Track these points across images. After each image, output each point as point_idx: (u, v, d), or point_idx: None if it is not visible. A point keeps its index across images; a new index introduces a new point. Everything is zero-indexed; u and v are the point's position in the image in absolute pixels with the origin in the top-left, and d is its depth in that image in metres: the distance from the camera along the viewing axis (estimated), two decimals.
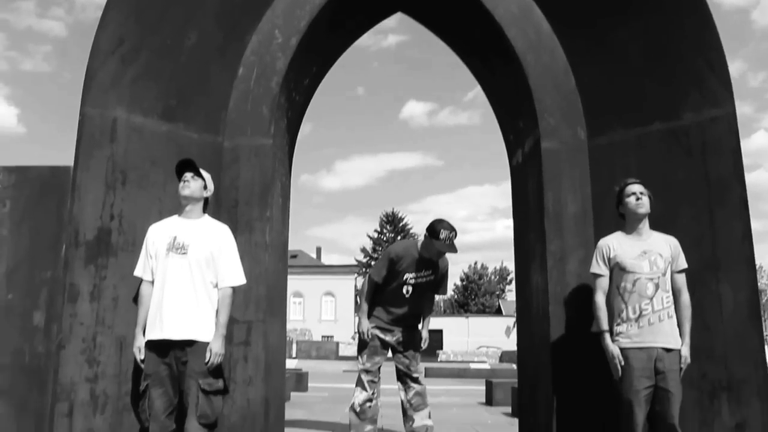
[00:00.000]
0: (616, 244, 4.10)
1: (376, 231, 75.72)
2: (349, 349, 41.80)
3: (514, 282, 5.70)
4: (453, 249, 5.12)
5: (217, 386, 3.80)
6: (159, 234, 3.95)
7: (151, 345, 3.78)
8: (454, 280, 76.68)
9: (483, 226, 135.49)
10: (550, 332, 4.53)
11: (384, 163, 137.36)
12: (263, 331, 4.44)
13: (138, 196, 4.27)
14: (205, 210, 4.09)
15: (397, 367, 5.42)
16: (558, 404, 4.43)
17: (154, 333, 3.76)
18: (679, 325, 3.98)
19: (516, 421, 9.41)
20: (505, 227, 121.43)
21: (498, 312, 66.82)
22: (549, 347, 4.53)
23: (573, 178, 4.77)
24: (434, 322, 58.22)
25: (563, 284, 4.59)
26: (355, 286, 61.45)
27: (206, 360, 3.73)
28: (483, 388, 17.31)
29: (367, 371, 5.30)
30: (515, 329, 53.25)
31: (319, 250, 68.76)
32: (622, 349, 3.91)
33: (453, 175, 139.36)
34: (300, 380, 14.91)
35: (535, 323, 4.88)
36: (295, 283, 58.31)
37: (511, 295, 76.44)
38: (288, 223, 5.49)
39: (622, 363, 3.88)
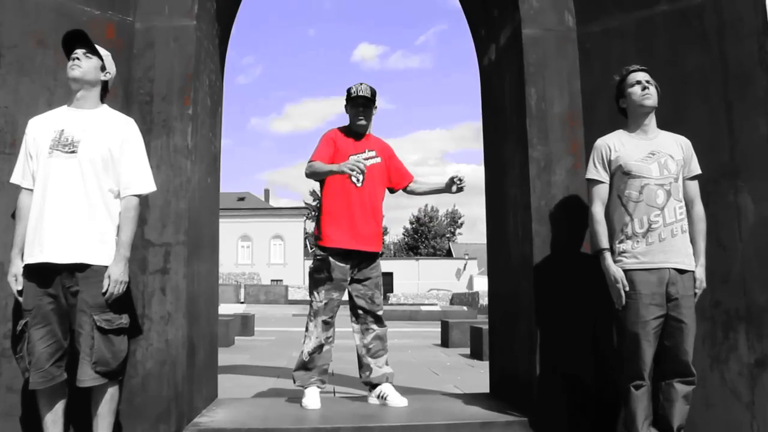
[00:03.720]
0: (618, 143, 3.34)
1: None
2: (299, 292, 41.23)
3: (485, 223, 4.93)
4: (366, 91, 4.42)
5: (120, 323, 2.96)
6: (41, 128, 3.03)
7: (31, 271, 2.89)
8: (403, 223, 76.40)
9: (433, 171, 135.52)
10: (533, 256, 3.79)
11: (335, 107, 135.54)
12: (185, 256, 3.59)
13: (20, 84, 3.34)
14: (103, 100, 3.19)
15: (354, 303, 4.48)
16: (542, 341, 3.72)
17: (33, 255, 2.87)
18: (692, 242, 3.28)
19: (475, 362, 8.85)
20: (455, 171, 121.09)
21: (448, 254, 66.87)
22: (532, 274, 3.79)
23: (560, 71, 3.98)
24: (384, 265, 58.08)
25: (548, 198, 3.84)
26: (305, 229, 60.61)
27: (103, 289, 2.88)
28: (436, 329, 16.83)
29: (320, 310, 4.37)
30: (465, 271, 53.24)
31: (267, 192, 67.35)
32: (626, 272, 3.18)
33: (404, 119, 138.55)
34: (246, 324, 14.12)
35: (513, 247, 4.14)
36: (242, 226, 57.16)
37: (461, 237, 76.71)
38: (220, 133, 4.60)
39: (627, 288, 3.17)
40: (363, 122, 4.44)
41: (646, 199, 3.20)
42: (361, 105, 4.40)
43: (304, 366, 4.34)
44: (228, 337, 11.51)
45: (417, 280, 55.09)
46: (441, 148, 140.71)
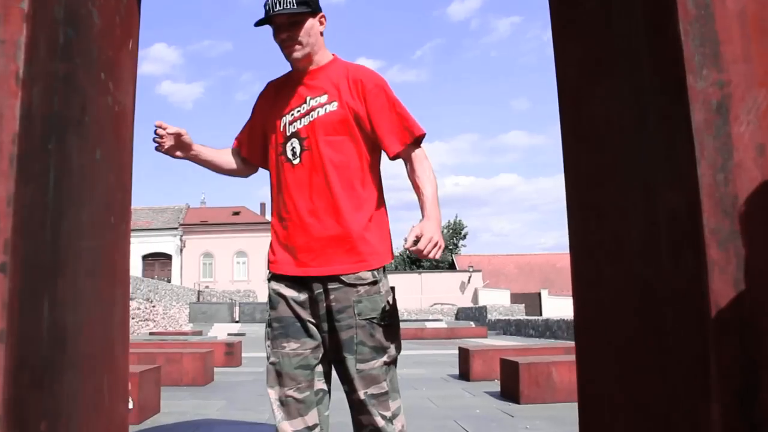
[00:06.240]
0: None
1: None
2: None
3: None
4: (281, 2, 2.53)
5: None
6: None
7: None
8: (404, 235, 74.82)
9: None
10: (709, 281, 1.93)
11: None
12: (5, 292, 1.75)
13: None
14: None
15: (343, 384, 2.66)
16: None
17: None
18: None
19: (511, 407, 6.91)
20: (453, 184, 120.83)
21: (452, 267, 64.93)
22: (704, 318, 1.94)
23: None
24: None
25: (729, 168, 1.99)
26: None
27: None
28: (448, 352, 15.06)
29: (271, 377, 2.55)
30: (470, 284, 52.12)
31: (263, 207, 65.55)
32: None
33: None
34: (231, 352, 12.28)
35: (642, 263, 2.28)
36: (238, 241, 55.48)
37: (465, 249, 74.93)
38: (131, 85, 2.80)
39: None
40: (296, 54, 2.64)
41: None
42: (283, 29, 2.60)
43: None
44: (207, 373, 9.72)
45: (420, 294, 53.15)
46: (439, 161, 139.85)
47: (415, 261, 70.35)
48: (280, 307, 2.54)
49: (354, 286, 2.53)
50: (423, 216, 2.61)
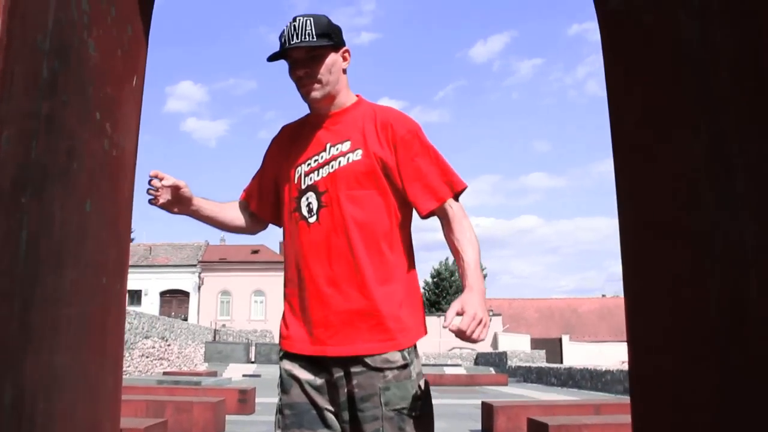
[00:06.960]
0: None
1: None
2: None
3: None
4: (304, 30, 2.18)
5: None
6: None
7: None
8: (423, 277, 73.92)
9: None
10: None
11: None
12: None
13: None
14: None
15: None
16: None
17: None
18: None
19: None
20: (474, 225, 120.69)
21: None
22: None
23: None
24: None
25: None
26: None
27: None
28: (470, 402, 14.59)
29: None
30: (490, 329, 51.49)
31: (282, 245, 65.46)
32: None
33: None
34: (244, 400, 11.85)
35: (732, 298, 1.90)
36: (257, 280, 55.01)
37: (486, 292, 73.85)
38: (134, 126, 2.50)
39: None
40: (314, 93, 2.27)
41: None
42: (301, 65, 2.24)
43: None
44: (218, 423, 9.31)
45: (438, 338, 52.26)
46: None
47: (433, 303, 69.64)
48: (293, 391, 2.17)
49: (381, 370, 2.13)
50: (464, 286, 2.23)
